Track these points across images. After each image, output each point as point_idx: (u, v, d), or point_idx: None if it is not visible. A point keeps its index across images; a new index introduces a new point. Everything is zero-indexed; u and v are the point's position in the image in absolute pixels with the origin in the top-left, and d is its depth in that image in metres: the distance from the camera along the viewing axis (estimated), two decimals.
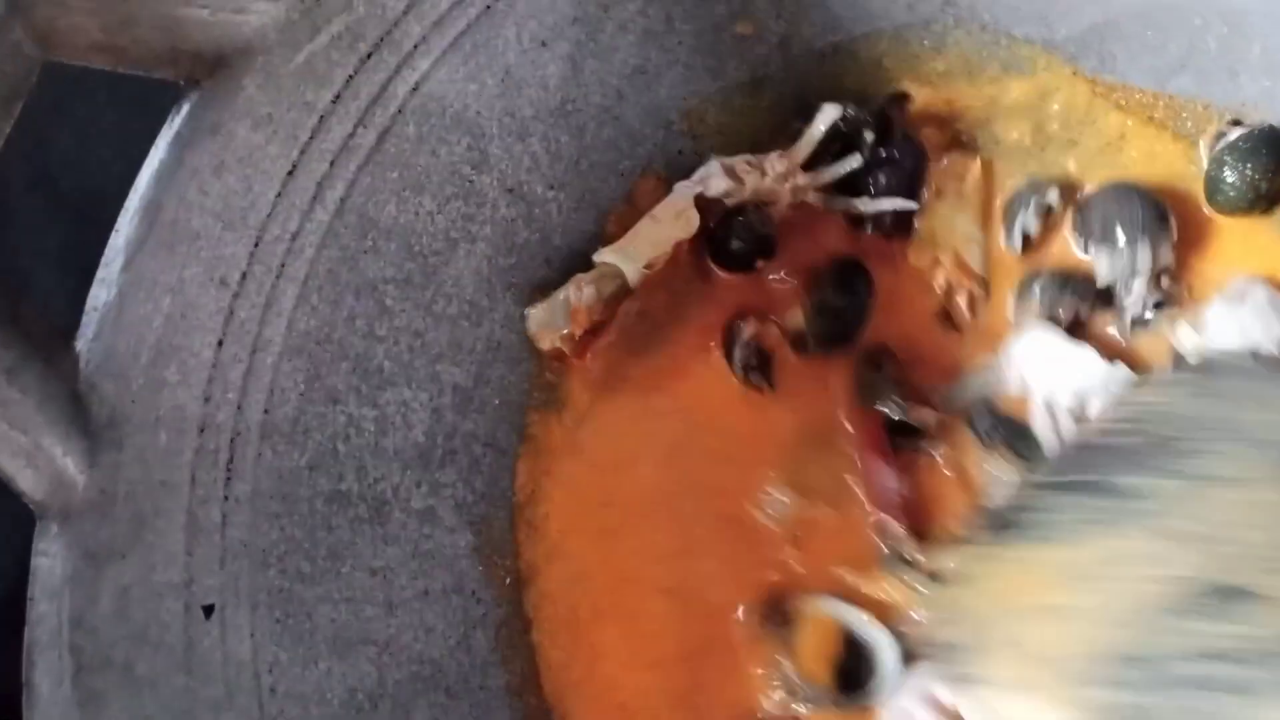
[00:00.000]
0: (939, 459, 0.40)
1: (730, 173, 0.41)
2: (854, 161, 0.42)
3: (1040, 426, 0.39)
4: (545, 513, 0.39)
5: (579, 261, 0.41)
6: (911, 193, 0.42)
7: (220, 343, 0.35)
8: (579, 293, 0.39)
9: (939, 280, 0.42)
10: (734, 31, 0.43)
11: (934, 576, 0.37)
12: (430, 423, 0.38)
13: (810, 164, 0.42)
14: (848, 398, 0.41)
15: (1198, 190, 0.42)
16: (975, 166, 0.43)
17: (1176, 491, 0.33)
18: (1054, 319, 0.41)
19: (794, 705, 0.37)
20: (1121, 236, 0.41)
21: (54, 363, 0.32)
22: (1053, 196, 0.42)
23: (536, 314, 0.40)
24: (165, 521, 0.32)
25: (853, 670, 0.37)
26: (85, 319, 0.33)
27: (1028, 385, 0.40)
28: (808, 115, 0.42)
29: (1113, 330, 0.41)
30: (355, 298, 0.37)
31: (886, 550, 0.38)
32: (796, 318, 0.42)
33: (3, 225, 0.49)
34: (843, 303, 0.42)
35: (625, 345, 0.41)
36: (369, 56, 0.37)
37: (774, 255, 0.42)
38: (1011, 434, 0.39)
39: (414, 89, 0.38)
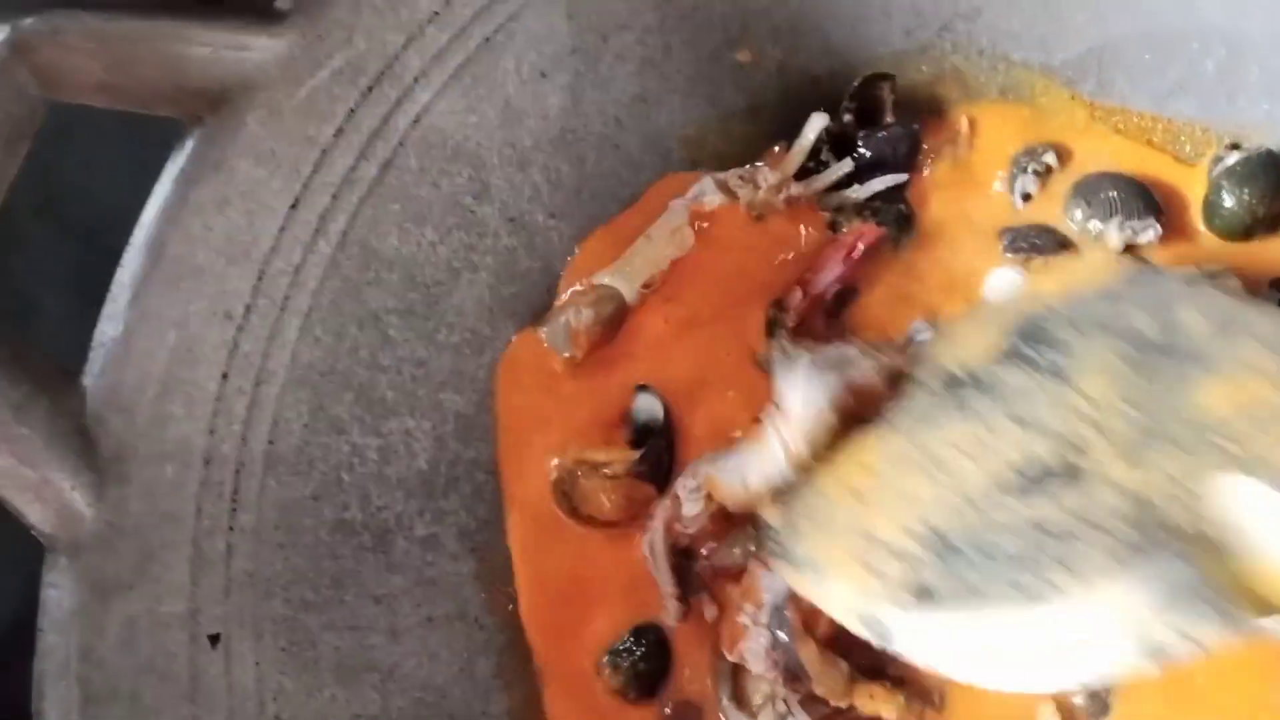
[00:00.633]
0: None
1: (724, 187, 0.42)
2: (845, 166, 0.42)
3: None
4: None
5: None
6: (907, 165, 0.43)
7: (225, 375, 0.35)
8: (578, 315, 0.40)
9: None
10: (732, 59, 0.43)
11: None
12: (433, 451, 0.39)
13: (802, 173, 0.43)
14: None
15: (1196, 213, 0.42)
16: (964, 123, 0.43)
17: (1039, 384, 0.34)
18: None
19: None
20: (1106, 208, 0.41)
21: (61, 399, 0.32)
22: (1050, 157, 0.42)
23: (548, 334, 0.40)
24: (171, 553, 0.33)
25: None
26: (92, 355, 0.33)
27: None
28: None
29: None
30: (358, 328, 0.38)
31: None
32: None
33: (10, 251, 0.50)
34: None
35: None
36: (370, 90, 0.38)
37: None
38: None
39: (415, 121, 0.39)
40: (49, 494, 0.32)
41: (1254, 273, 0.40)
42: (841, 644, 0.35)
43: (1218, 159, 0.41)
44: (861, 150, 0.43)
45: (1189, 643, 0.28)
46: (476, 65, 0.40)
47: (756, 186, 0.42)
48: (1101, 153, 0.43)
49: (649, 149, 0.43)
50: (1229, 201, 0.40)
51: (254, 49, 0.36)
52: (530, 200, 0.41)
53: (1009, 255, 0.41)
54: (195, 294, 0.35)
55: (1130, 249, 0.41)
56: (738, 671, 0.37)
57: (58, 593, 0.31)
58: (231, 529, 0.34)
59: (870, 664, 0.36)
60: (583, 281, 0.41)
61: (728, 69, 0.43)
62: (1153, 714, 0.35)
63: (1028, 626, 0.29)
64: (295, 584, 0.35)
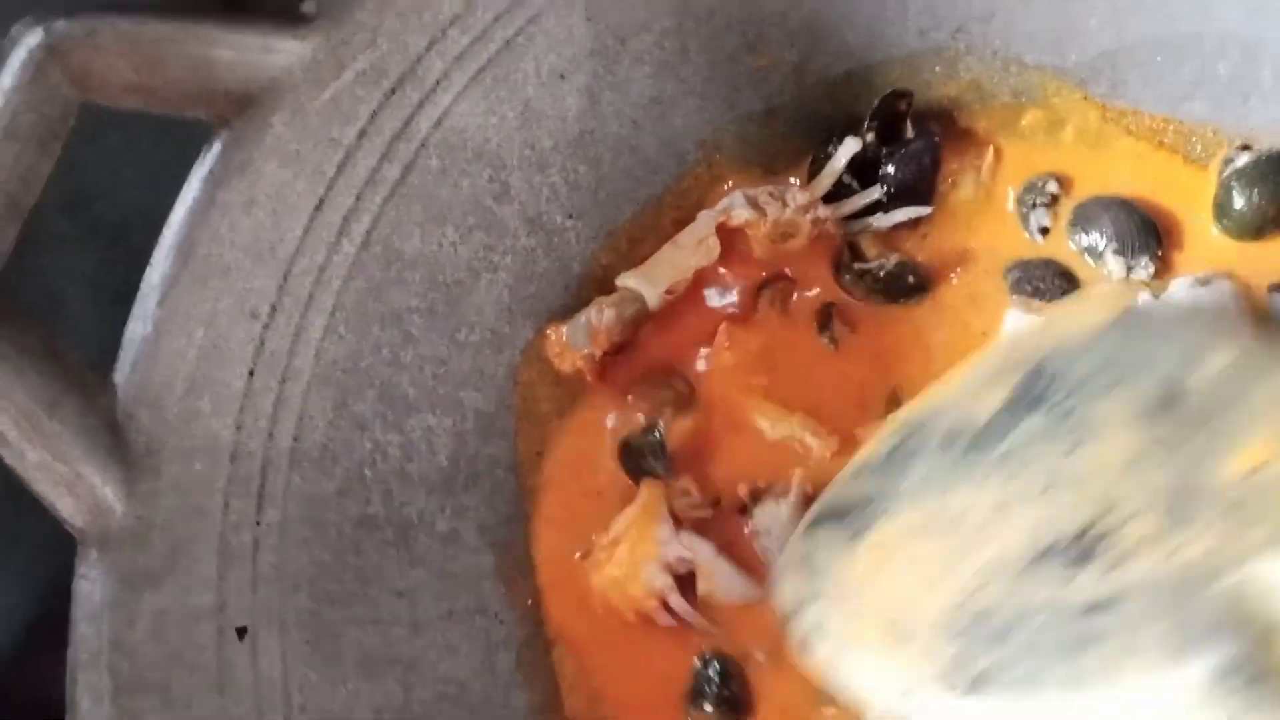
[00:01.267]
0: None
1: (753, 203, 0.42)
2: (875, 193, 0.43)
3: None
4: None
5: (597, 288, 0.42)
6: (928, 186, 0.43)
7: (251, 373, 0.36)
8: (600, 315, 0.40)
9: None
10: (748, 63, 0.44)
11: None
12: (454, 447, 0.39)
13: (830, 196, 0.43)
14: None
15: (1206, 214, 0.42)
16: (989, 152, 0.43)
17: (1041, 437, 0.32)
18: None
19: None
20: (1105, 242, 0.42)
21: (92, 395, 0.33)
22: (1053, 187, 0.43)
23: (557, 335, 0.41)
24: (199, 547, 0.34)
25: None
26: (122, 353, 0.34)
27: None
28: (825, 143, 0.43)
29: None
30: (381, 327, 0.38)
31: None
32: None
33: (36, 250, 0.51)
34: None
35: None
36: (392, 93, 0.39)
37: None
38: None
39: (436, 123, 0.39)
40: (81, 488, 0.32)
41: (1255, 276, 0.40)
42: None
43: (1228, 160, 0.42)
44: (888, 169, 0.43)
45: None
46: (497, 67, 0.40)
47: (785, 205, 0.42)
48: (1104, 171, 0.43)
49: (665, 151, 0.43)
50: (1239, 202, 0.41)
51: (279, 52, 0.37)
52: (549, 201, 0.42)
53: (1014, 297, 0.42)
54: (223, 293, 0.36)
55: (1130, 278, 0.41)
56: None
57: (89, 585, 0.32)
58: (258, 524, 0.35)
59: None
60: None
61: (744, 72, 0.44)
62: None
63: (1085, 716, 0.28)
64: (319, 578, 0.36)
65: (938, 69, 0.44)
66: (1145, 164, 0.43)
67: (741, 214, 0.42)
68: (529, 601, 0.39)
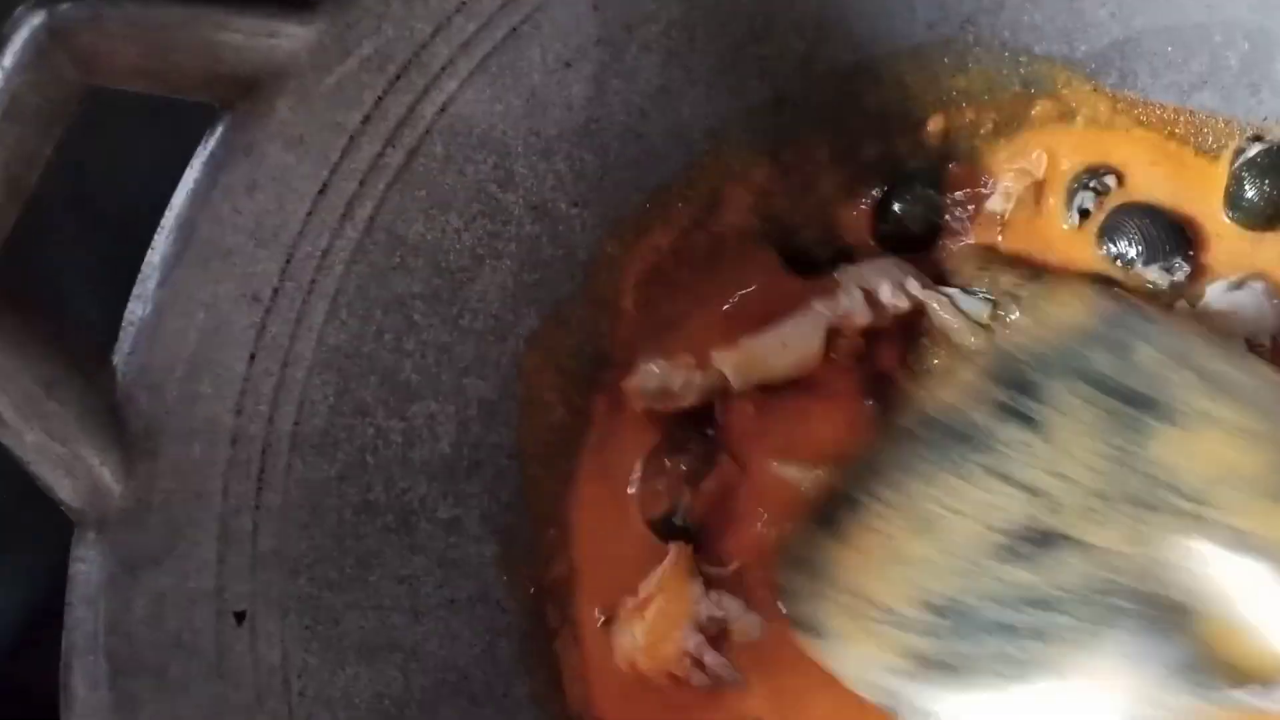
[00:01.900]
0: None
1: (872, 301, 0.41)
2: (984, 310, 0.41)
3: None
4: None
5: (602, 277, 0.42)
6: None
7: (252, 357, 0.35)
8: (684, 384, 0.40)
9: None
10: (756, 52, 0.43)
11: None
12: (456, 435, 0.39)
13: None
14: None
15: (1217, 204, 0.42)
16: (1037, 157, 0.43)
17: (1015, 435, 0.34)
18: None
19: None
20: (1136, 251, 0.41)
21: (92, 376, 0.33)
22: (1111, 180, 0.43)
23: (638, 380, 0.40)
24: (198, 530, 0.33)
25: None
26: (122, 334, 0.34)
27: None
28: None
29: None
30: (384, 313, 0.38)
31: None
32: None
33: (41, 243, 0.51)
34: None
35: None
36: (398, 78, 0.38)
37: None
38: None
39: (441, 110, 0.39)
40: (79, 469, 0.32)
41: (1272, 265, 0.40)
42: None
43: (1239, 150, 0.41)
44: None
45: (1180, 715, 0.28)
46: (503, 55, 0.40)
47: (905, 295, 0.41)
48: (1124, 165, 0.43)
49: (672, 140, 0.43)
50: (1250, 192, 0.41)
51: (285, 36, 0.36)
52: (554, 189, 0.41)
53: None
54: (224, 276, 0.35)
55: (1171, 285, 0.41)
56: None
57: (86, 567, 0.32)
58: (257, 508, 0.35)
59: None
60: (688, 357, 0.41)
61: (752, 61, 0.43)
62: None
63: (1014, 704, 0.30)
64: (319, 563, 0.35)
65: (946, 60, 0.44)
66: (1156, 156, 0.43)
67: (863, 317, 0.40)
68: (531, 590, 0.39)
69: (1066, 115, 0.44)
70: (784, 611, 0.36)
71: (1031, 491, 0.33)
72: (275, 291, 0.36)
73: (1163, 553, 0.30)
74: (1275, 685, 0.28)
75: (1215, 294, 0.40)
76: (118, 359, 0.34)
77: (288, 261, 0.36)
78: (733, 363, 0.40)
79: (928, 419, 0.36)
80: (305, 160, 0.37)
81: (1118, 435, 0.33)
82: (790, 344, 0.40)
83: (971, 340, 0.39)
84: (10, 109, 0.33)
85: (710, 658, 0.37)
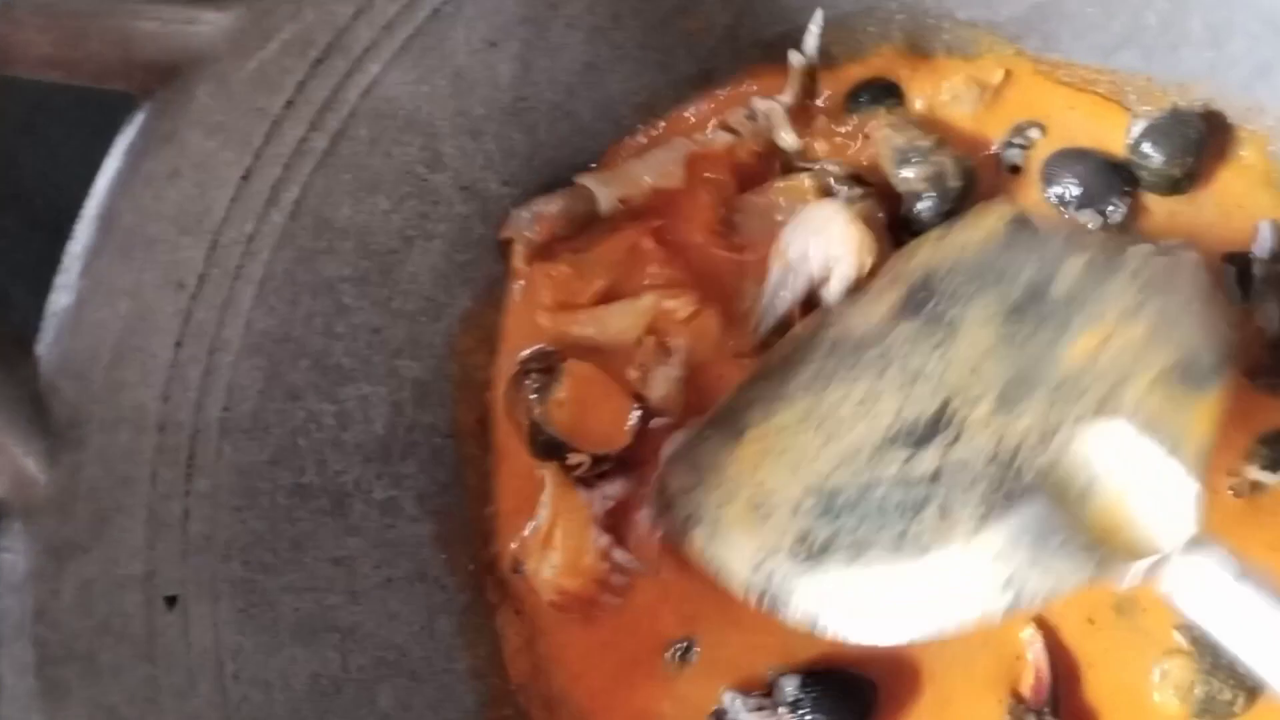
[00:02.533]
0: None
1: (725, 127, 0.43)
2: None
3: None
4: None
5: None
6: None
7: (179, 343, 0.35)
8: (548, 203, 0.41)
9: None
10: (681, 26, 0.43)
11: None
12: (390, 416, 0.39)
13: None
14: None
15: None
16: (998, 75, 0.44)
17: (913, 334, 0.35)
18: None
19: None
20: (1073, 192, 0.42)
21: (14, 366, 0.33)
22: (1035, 133, 0.43)
23: (516, 215, 0.41)
24: (126, 517, 0.33)
25: None
26: (45, 324, 0.34)
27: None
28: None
29: None
30: (313, 297, 0.38)
31: None
32: None
33: None
34: None
35: None
36: (320, 62, 0.38)
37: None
38: None
39: (365, 92, 0.39)
40: (2, 459, 0.32)
41: (1206, 247, 0.41)
42: None
43: (1128, 130, 0.42)
44: None
45: (1049, 585, 0.29)
46: (426, 36, 0.40)
47: (756, 119, 0.42)
48: (1067, 122, 0.43)
49: (601, 116, 0.43)
50: (1153, 162, 0.41)
51: (202, 22, 0.36)
52: (483, 168, 0.41)
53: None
54: (148, 264, 0.35)
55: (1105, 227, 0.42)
56: None
57: (12, 556, 0.32)
58: (188, 493, 0.35)
59: None
60: None
61: (678, 35, 0.43)
62: None
63: (911, 576, 0.31)
64: (253, 546, 0.35)
65: (871, 28, 0.44)
66: (1083, 112, 0.43)
67: (720, 137, 0.42)
68: (470, 567, 0.39)
69: (989, 77, 0.44)
70: (655, 516, 0.37)
71: (926, 383, 0.34)
72: (200, 278, 0.36)
73: (1062, 435, 0.31)
74: (1134, 563, 0.29)
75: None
76: (41, 348, 0.34)
77: (212, 248, 0.36)
78: (594, 178, 0.42)
79: (841, 334, 0.37)
80: (227, 146, 0.37)
81: (1034, 335, 0.34)
82: (651, 161, 0.42)
83: (789, 143, 0.42)
84: None
85: (619, 554, 0.38)
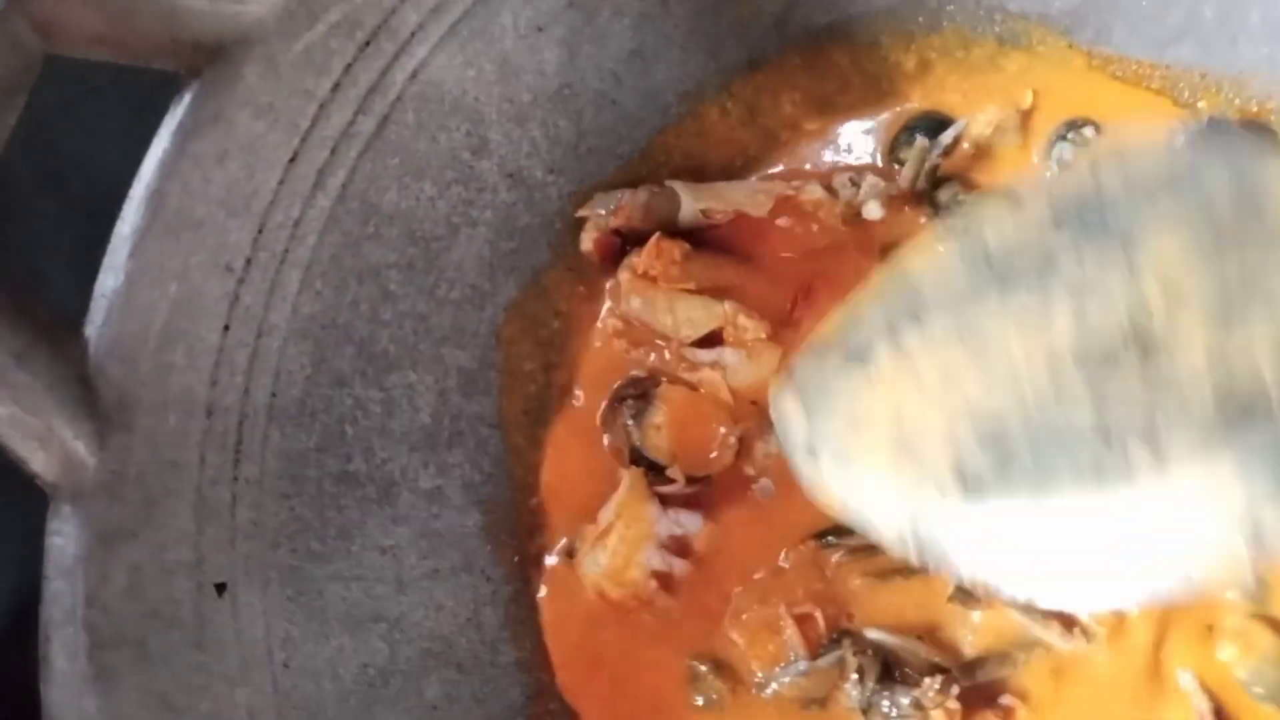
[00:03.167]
0: None
1: (828, 187, 0.42)
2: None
3: None
4: None
5: (578, 244, 0.41)
6: None
7: (226, 327, 0.35)
8: (633, 195, 0.41)
9: None
10: (730, 14, 0.43)
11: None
12: (436, 405, 0.39)
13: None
14: None
15: None
16: (1027, 97, 0.43)
17: (1094, 256, 0.30)
18: None
19: None
20: None
21: (63, 348, 0.32)
22: (1089, 131, 0.43)
23: (598, 197, 0.41)
24: (175, 501, 0.33)
25: None
26: (93, 305, 0.33)
27: None
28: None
29: None
30: (359, 282, 0.38)
31: None
32: None
33: (16, 225, 0.50)
34: None
35: None
36: (367, 45, 0.38)
37: None
38: None
39: (412, 76, 0.39)
40: (52, 442, 0.32)
41: None
42: None
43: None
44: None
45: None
46: (473, 20, 0.39)
47: (858, 188, 0.42)
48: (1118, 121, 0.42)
49: (647, 104, 0.43)
50: None
51: (251, 2, 0.36)
52: (528, 156, 0.41)
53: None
54: (196, 246, 0.35)
55: None
56: None
57: (62, 540, 0.31)
58: (235, 479, 0.34)
59: None
60: None
61: (726, 24, 0.43)
62: None
63: (1105, 513, 0.26)
64: (301, 534, 0.35)
65: (921, 19, 0.44)
66: (1134, 108, 0.43)
67: (815, 191, 0.42)
68: (515, 559, 0.38)
69: (1042, 70, 0.43)
70: (782, 441, 0.32)
71: (1105, 296, 0.29)
72: (248, 261, 0.36)
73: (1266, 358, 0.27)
74: None
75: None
76: (89, 331, 0.33)
77: (260, 231, 0.36)
78: (684, 185, 0.41)
79: (987, 247, 0.32)
80: (275, 128, 0.36)
81: (1239, 247, 0.29)
82: (742, 185, 0.42)
83: (874, 214, 0.41)
84: None
85: (678, 565, 0.38)
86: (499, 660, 0.37)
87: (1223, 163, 0.31)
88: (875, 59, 0.44)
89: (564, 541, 0.39)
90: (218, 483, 0.34)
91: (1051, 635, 0.36)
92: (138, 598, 0.32)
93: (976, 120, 0.43)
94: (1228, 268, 0.28)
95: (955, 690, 0.36)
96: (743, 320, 0.40)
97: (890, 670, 0.37)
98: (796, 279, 0.42)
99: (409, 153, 0.39)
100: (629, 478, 0.38)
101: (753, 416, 0.40)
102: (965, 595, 0.37)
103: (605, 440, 0.39)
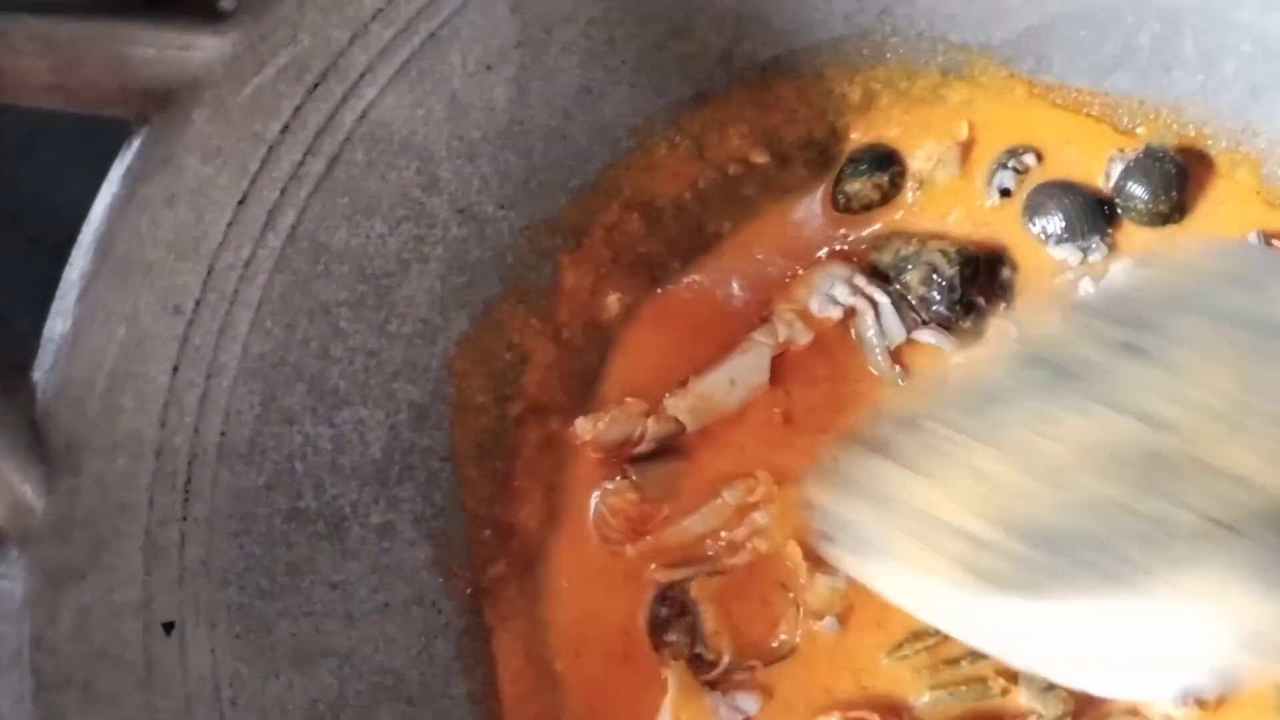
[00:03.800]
0: None
1: (805, 318, 0.42)
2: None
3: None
4: None
5: (530, 277, 0.42)
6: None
7: (175, 369, 0.36)
8: (641, 427, 0.41)
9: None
10: (676, 49, 0.44)
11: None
12: (387, 440, 0.39)
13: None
14: None
15: None
16: (962, 128, 0.44)
17: (1129, 366, 0.31)
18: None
19: None
20: (1057, 227, 0.42)
21: (10, 393, 0.33)
22: (1030, 159, 0.43)
23: (585, 423, 0.41)
24: (124, 543, 0.33)
25: None
26: (42, 349, 0.34)
27: None
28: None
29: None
30: (309, 320, 0.38)
31: None
32: None
33: None
34: None
35: None
36: (315, 87, 0.38)
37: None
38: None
39: (361, 116, 0.39)
40: None
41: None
42: None
43: (1107, 173, 0.43)
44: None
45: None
46: (422, 60, 0.40)
47: (836, 302, 0.42)
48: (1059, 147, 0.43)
49: (597, 139, 0.43)
50: (1140, 202, 0.42)
51: (199, 48, 0.37)
52: (479, 191, 0.41)
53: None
54: (144, 289, 0.35)
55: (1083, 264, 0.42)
56: None
57: (9, 584, 0.32)
58: (185, 519, 0.35)
59: None
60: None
61: (672, 59, 0.44)
62: None
63: (1108, 616, 0.27)
64: (250, 572, 0.35)
65: (865, 51, 0.45)
66: (1073, 135, 0.44)
67: (803, 338, 0.42)
68: (467, 591, 0.39)
69: (984, 100, 0.44)
70: (817, 532, 0.34)
71: (1143, 417, 0.30)
72: (197, 303, 0.36)
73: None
74: None
75: (1118, 271, 0.41)
76: (37, 375, 0.34)
77: (209, 273, 0.37)
78: (686, 407, 0.41)
79: (1025, 353, 0.34)
80: (224, 171, 0.37)
81: (1254, 363, 0.30)
82: (739, 379, 0.42)
83: (881, 365, 0.42)
84: None
85: None
86: (450, 692, 0.38)
87: (1242, 278, 0.32)
88: (820, 91, 0.45)
89: None
90: (166, 523, 0.34)
91: (1165, 702, 0.36)
92: (85, 639, 0.32)
93: (915, 156, 0.44)
94: (1242, 383, 0.30)
95: None
96: (741, 489, 0.40)
97: None
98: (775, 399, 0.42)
99: (359, 192, 0.39)
100: (674, 676, 0.38)
101: (805, 560, 0.40)
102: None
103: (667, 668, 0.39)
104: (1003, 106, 0.44)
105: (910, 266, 0.42)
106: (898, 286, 0.43)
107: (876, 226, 0.44)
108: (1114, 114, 0.43)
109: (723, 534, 0.40)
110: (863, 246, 0.44)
